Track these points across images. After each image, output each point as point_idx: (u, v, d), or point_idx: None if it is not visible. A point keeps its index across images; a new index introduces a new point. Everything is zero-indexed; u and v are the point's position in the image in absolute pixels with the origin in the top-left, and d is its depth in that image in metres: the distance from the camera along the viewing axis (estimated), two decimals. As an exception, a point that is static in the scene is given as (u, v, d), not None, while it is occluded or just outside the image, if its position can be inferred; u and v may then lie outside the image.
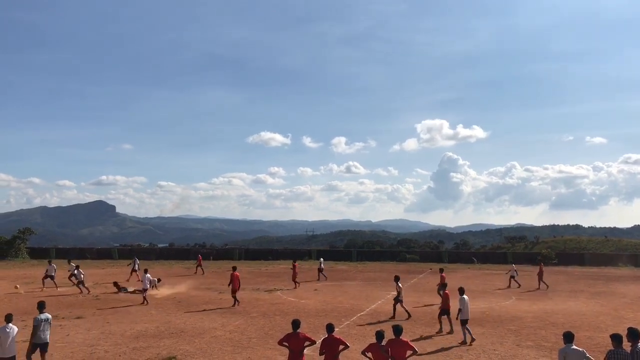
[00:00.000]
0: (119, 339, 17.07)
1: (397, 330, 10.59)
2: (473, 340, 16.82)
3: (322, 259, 39.79)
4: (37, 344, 12.96)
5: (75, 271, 29.36)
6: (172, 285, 31.60)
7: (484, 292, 30.74)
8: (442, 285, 20.59)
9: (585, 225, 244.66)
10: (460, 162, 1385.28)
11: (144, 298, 25.07)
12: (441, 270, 27.51)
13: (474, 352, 15.58)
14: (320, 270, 37.86)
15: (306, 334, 11.13)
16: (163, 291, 29.07)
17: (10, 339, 11.98)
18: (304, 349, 10.82)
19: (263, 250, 71.51)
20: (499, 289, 32.16)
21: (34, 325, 12.98)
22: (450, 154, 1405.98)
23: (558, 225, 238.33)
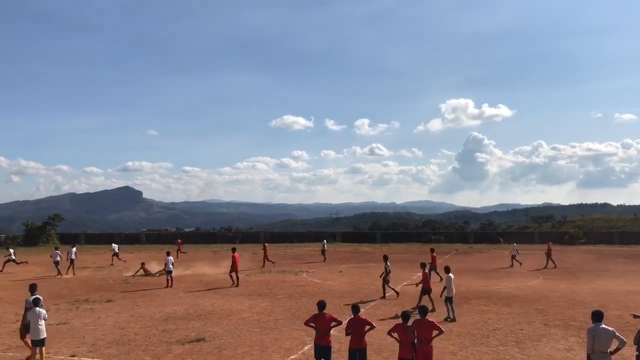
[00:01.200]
0: (148, 321, 17.41)
1: (423, 310, 10.59)
2: (454, 320, 17.01)
3: (325, 241, 40.59)
4: (27, 324, 13.05)
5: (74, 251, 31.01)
6: (188, 267, 32.09)
7: (509, 272, 30.53)
8: (422, 264, 20.51)
9: (614, 203, 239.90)
10: (486, 141, 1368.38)
11: (168, 280, 25.48)
12: (432, 251, 28.16)
13: (501, 332, 15.53)
14: (323, 251, 38.61)
15: (332, 315, 11.20)
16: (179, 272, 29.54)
17: (40, 321, 12.33)
18: (330, 330, 10.91)
19: (288, 233, 71.97)
20: (502, 268, 31.87)
21: (25, 307, 13.28)
22: (476, 133, 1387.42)
23: (586, 204, 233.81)
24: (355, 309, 11.04)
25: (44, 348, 12.43)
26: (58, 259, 30.68)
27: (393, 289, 21.90)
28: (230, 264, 25.75)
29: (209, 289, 24.43)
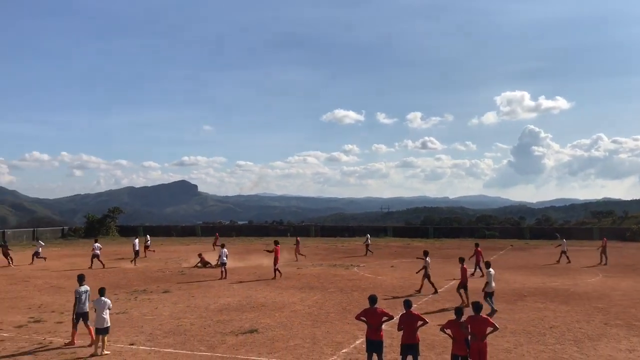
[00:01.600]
0: (203, 312, 17.82)
1: (477, 307, 10.42)
2: (495, 311, 16.81)
3: (368, 235, 40.11)
4: (79, 314, 13.85)
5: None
6: (242, 259, 32.59)
7: (567, 269, 29.60)
8: (460, 259, 20.21)
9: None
10: (542, 135, 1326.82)
11: (222, 272, 25.99)
12: (476, 245, 27.64)
13: (558, 330, 15.11)
14: (367, 245, 38.41)
15: (384, 310, 11.18)
16: (234, 264, 30.01)
17: (104, 310, 12.86)
18: (381, 324, 10.88)
19: (338, 227, 72.03)
20: (547, 265, 30.82)
21: (75, 297, 13.89)
22: (532, 126, 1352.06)
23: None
24: (407, 304, 10.98)
25: (106, 337, 12.98)
26: (98, 252, 31.42)
27: (421, 285, 21.89)
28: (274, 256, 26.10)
29: (261, 281, 24.78)
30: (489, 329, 10.11)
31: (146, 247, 38.59)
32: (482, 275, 24.06)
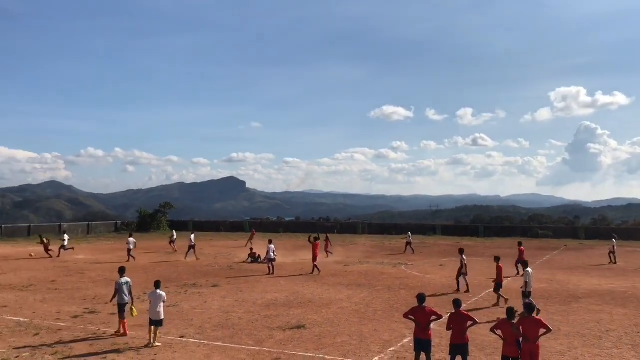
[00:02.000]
0: (251, 306, 18.01)
1: (529, 308, 10.12)
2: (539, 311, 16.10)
3: (409, 233, 39.79)
4: (120, 304, 14.29)
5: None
6: (290, 255, 32.73)
7: (624, 271, 28.48)
8: (496, 258, 19.99)
9: None
10: (599, 131, 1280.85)
11: (269, 267, 26.18)
12: (519, 244, 27.07)
13: (614, 334, 14.56)
14: (408, 243, 38.11)
15: (433, 309, 11.03)
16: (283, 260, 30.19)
17: (159, 303, 13.18)
18: (430, 323, 10.74)
19: (386, 225, 71.57)
20: (603, 266, 29.57)
21: (115, 288, 14.49)
22: (588, 123, 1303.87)
23: None
24: (457, 303, 10.79)
25: (159, 328, 13.29)
26: (131, 246, 32.25)
27: (466, 284, 21.63)
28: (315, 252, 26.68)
29: (308, 278, 24.86)
30: (542, 331, 9.81)
31: (171, 241, 39.48)
32: (518, 274, 25.22)
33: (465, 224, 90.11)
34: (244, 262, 31.12)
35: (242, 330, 14.72)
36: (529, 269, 17.67)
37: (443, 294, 20.49)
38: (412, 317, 10.89)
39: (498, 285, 18.89)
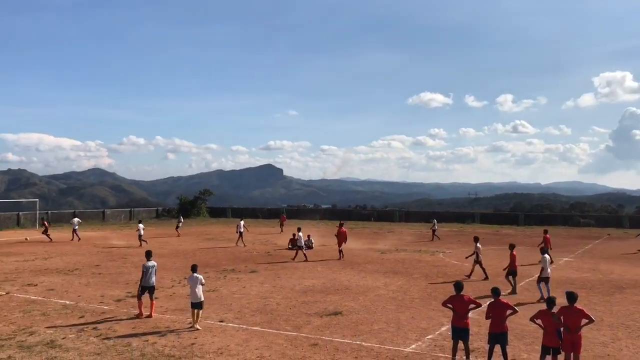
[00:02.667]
0: (289, 292, 18.18)
1: (572, 297, 9.92)
2: (543, 299, 16.41)
3: (435, 220, 39.85)
4: (145, 287, 14.79)
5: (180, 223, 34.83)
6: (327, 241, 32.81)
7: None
8: (511, 246, 19.79)
9: None
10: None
11: (302, 254, 26.49)
12: (545, 232, 27.28)
13: (660, 326, 14.14)
14: (433, 231, 38.33)
15: (471, 297, 10.94)
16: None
17: (197, 286, 13.47)
18: (468, 312, 10.66)
19: (423, 213, 70.98)
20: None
21: (142, 271, 14.91)
22: (634, 109, 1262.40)
23: None
24: (495, 292, 10.66)
25: (200, 311, 13.68)
26: (142, 232, 33.10)
27: (472, 270, 21.78)
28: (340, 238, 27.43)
29: (345, 265, 24.91)
30: (584, 321, 9.61)
31: (177, 227, 40.58)
32: (551, 262, 23.82)
33: (504, 212, 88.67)
34: (286, 248, 31.34)
35: (280, 315, 14.89)
36: (546, 255, 18.00)
37: (481, 281, 20.26)
38: (450, 306, 10.82)
39: (512, 273, 18.81)
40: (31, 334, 12.80)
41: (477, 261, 21.52)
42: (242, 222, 33.96)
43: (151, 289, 14.88)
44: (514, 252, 19.22)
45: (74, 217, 38.27)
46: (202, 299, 13.71)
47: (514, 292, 18.32)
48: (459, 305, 10.68)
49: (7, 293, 17.88)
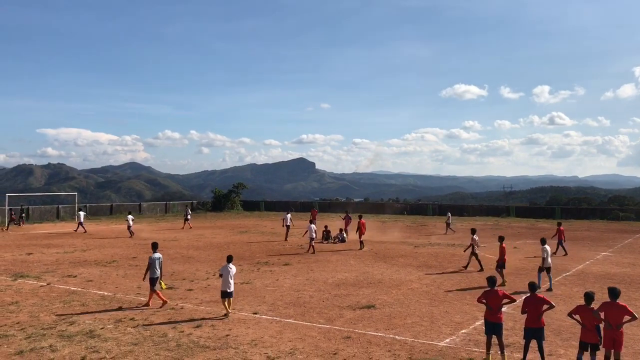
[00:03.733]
0: (321, 285, 18.23)
1: (614, 292, 9.68)
2: (550, 290, 17.42)
3: (449, 214, 40.49)
4: (152, 278, 15.05)
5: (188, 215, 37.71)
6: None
7: None
8: (500, 238, 20.00)
9: None
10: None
11: (310, 247, 26.90)
12: (559, 224, 27.09)
13: None
14: (448, 224, 38.54)
15: (505, 292, 10.79)
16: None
17: (230, 276, 13.97)
18: (502, 307, 10.52)
19: (457, 206, 70.25)
20: None
21: (148, 263, 15.22)
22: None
23: None
24: (532, 286, 10.49)
25: (231, 299, 14.12)
26: (130, 223, 34.54)
27: (469, 262, 21.93)
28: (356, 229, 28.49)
29: (378, 258, 24.85)
30: (627, 318, 9.37)
31: (186, 219, 40.88)
32: (565, 254, 25.84)
33: (540, 206, 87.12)
34: (319, 241, 31.40)
35: (313, 308, 14.94)
36: (546, 246, 18.42)
37: (518, 276, 19.96)
38: (484, 301, 10.70)
39: (501, 265, 18.97)
40: (71, 324, 13.14)
41: (474, 253, 21.72)
42: (288, 216, 32.97)
43: (154, 281, 15.19)
44: (504, 245, 19.47)
45: (79, 211, 39.89)
46: (232, 289, 14.17)
47: (502, 284, 18.28)
48: (492, 300, 10.55)
49: (48, 284, 18.40)
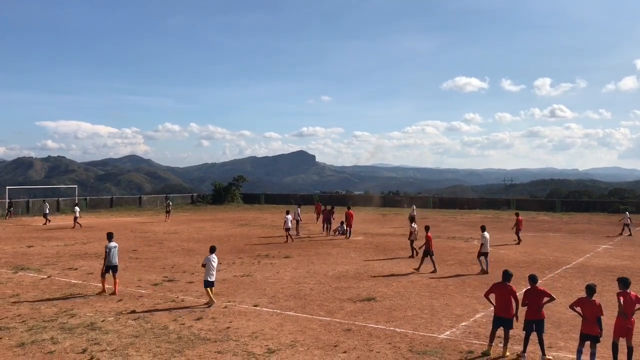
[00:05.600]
0: (322, 278, 18.25)
1: (626, 283, 9.75)
2: (486, 272, 19.07)
3: (414, 206, 41.42)
4: (109, 266, 15.77)
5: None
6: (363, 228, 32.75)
7: None
8: (426, 227, 20.97)
9: None
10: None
11: (287, 237, 27.93)
12: (517, 214, 29.08)
13: None
14: (412, 217, 37.66)
15: (513, 287, 10.74)
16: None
17: (213, 266, 14.55)
18: (510, 301, 10.51)
19: (457, 199, 70.24)
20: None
21: (105, 252, 15.82)
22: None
23: None
24: (533, 279, 10.49)
25: (213, 288, 14.66)
26: (77, 215, 35.80)
27: (415, 249, 22.96)
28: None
29: (378, 251, 24.87)
30: (638, 306, 9.56)
31: (167, 211, 41.52)
32: (518, 243, 27.73)
33: (541, 199, 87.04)
34: (331, 235, 31.36)
35: (314, 300, 14.96)
36: (485, 233, 19.74)
37: (518, 269, 19.98)
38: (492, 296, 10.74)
39: (426, 253, 19.92)
40: (72, 316, 13.16)
41: (411, 240, 23.25)
42: (298, 210, 32.36)
43: (114, 268, 15.88)
44: (429, 234, 20.30)
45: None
46: (214, 279, 14.66)
47: (422, 269, 19.67)
48: (501, 293, 10.57)
49: (48, 276, 18.42)
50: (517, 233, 28.25)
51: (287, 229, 28.01)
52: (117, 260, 16.00)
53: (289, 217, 28.27)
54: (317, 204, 45.13)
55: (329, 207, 33.87)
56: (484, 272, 19.16)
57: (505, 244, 27.45)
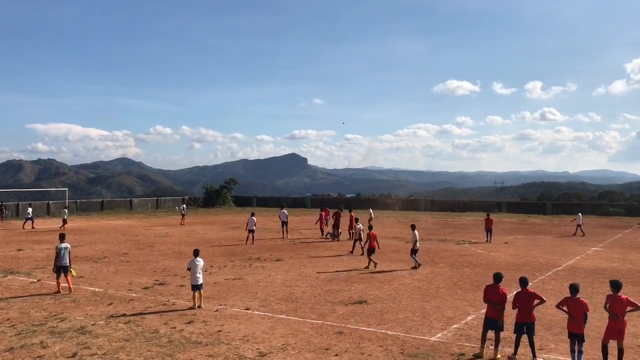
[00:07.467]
0: (314, 281, 18.24)
1: (616, 285, 9.83)
2: (419, 265, 20.95)
3: (371, 210, 41.81)
4: (60, 266, 16.11)
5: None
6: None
7: None
8: (369, 226, 22.67)
9: None
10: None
11: (250, 238, 28.37)
12: (487, 215, 31.53)
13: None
14: (369, 219, 37.84)
15: (504, 289, 10.78)
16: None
17: (198, 269, 14.50)
18: (503, 303, 10.56)
19: (449, 202, 70.50)
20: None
21: (55, 252, 16.29)
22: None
23: None
24: (523, 281, 10.55)
25: (202, 291, 14.62)
26: (65, 216, 37.17)
27: (353, 247, 24.86)
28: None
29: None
30: (629, 308, 9.70)
31: (182, 215, 41.99)
32: (488, 241, 29.64)
33: (531, 201, 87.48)
34: (322, 237, 31.33)
35: (305, 303, 14.94)
36: (415, 231, 21.49)
37: (509, 271, 20.05)
38: (487, 297, 10.80)
39: (370, 251, 21.21)
40: (62, 320, 13.07)
41: (356, 239, 24.80)
42: (285, 211, 32.44)
43: (65, 268, 16.22)
44: (373, 232, 21.67)
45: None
46: (201, 281, 14.62)
47: (368, 266, 20.94)
48: (495, 296, 10.61)
49: (38, 280, 18.29)
50: (488, 232, 30.06)
51: (251, 231, 28.48)
52: (67, 261, 16.27)
53: (254, 219, 28.83)
54: (326, 209, 43.57)
55: (345, 210, 35.16)
56: (415, 268, 20.76)
57: (477, 242, 27.98)
